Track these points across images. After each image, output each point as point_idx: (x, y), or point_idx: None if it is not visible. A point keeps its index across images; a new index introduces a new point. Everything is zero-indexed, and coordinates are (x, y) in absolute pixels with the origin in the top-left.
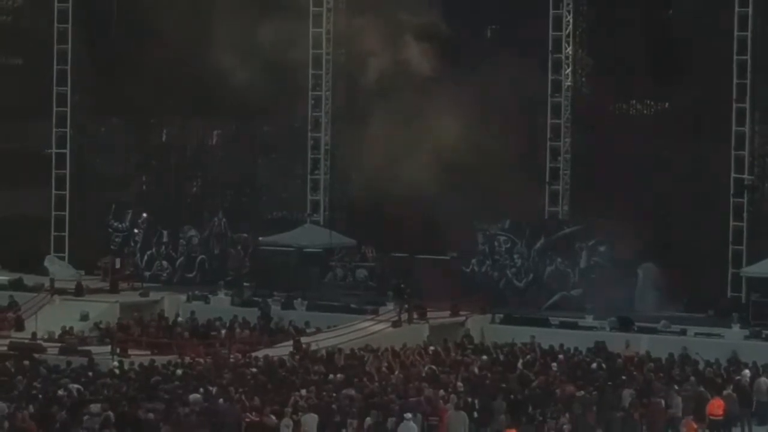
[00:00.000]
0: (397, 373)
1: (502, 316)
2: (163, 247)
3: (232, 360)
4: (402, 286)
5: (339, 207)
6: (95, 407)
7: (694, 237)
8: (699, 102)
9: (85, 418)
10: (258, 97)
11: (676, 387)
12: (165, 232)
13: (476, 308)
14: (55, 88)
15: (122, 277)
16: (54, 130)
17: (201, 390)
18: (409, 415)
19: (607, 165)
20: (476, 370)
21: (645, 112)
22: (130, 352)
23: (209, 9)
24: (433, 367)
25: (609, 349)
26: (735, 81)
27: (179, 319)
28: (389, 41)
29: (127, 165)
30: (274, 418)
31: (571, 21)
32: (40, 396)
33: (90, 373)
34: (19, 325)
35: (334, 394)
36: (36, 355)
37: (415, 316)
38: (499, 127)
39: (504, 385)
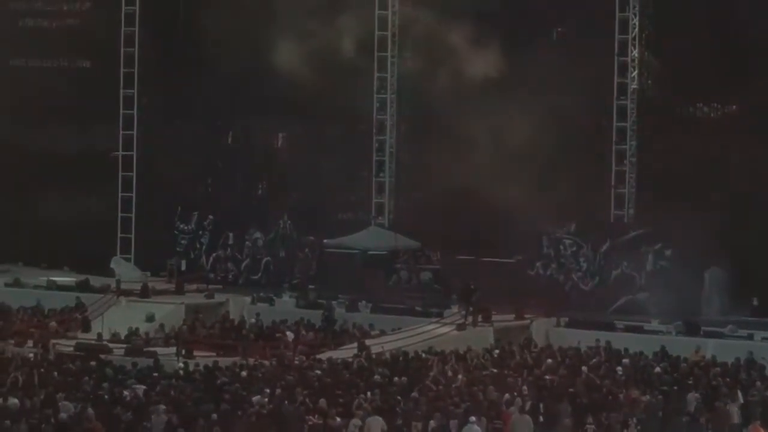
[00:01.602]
0: (461, 376)
1: (567, 319)
2: (229, 249)
3: (296, 362)
4: (472, 287)
5: (404, 210)
6: (159, 408)
7: (761, 241)
8: (766, 104)
9: (153, 416)
10: (323, 100)
11: (739, 392)
12: (231, 234)
13: (541, 311)
14: (122, 90)
15: (192, 279)
16: (121, 132)
17: (265, 392)
18: (473, 419)
19: (673, 168)
20: (541, 373)
21: (712, 114)
22: (195, 353)
23: (274, 11)
24: (497, 370)
25: (675, 354)
26: None
27: (252, 320)
28: (454, 43)
29: (193, 167)
30: (339, 420)
31: (637, 24)
32: (106, 396)
33: (155, 374)
34: (86, 326)
35: (399, 397)
36: (102, 356)
37: (480, 319)
38: (564, 129)
39: (570, 390)
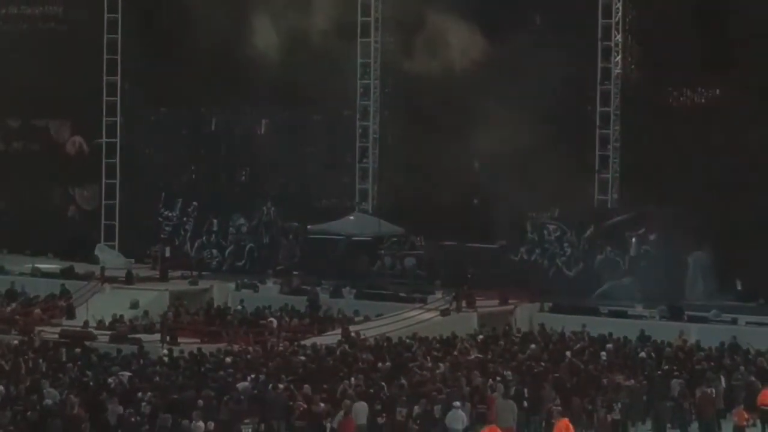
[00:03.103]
0: (445, 362)
1: (551, 304)
2: (213, 235)
3: (280, 348)
4: (469, 276)
5: (387, 195)
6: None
7: (744, 226)
8: (749, 90)
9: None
10: (307, 86)
11: (722, 377)
12: (215, 221)
13: (525, 297)
14: (105, 77)
15: (177, 265)
16: (104, 119)
17: (250, 378)
18: (457, 404)
19: (657, 153)
20: (524, 359)
21: (695, 99)
22: (179, 340)
23: None
24: (482, 355)
25: (659, 339)
26: None
27: (238, 307)
28: (437, 29)
29: (177, 154)
30: (322, 405)
31: (620, 8)
32: (91, 383)
33: (141, 361)
34: (70, 313)
35: (383, 383)
36: (87, 343)
37: (464, 304)
38: (547, 115)
39: (555, 375)
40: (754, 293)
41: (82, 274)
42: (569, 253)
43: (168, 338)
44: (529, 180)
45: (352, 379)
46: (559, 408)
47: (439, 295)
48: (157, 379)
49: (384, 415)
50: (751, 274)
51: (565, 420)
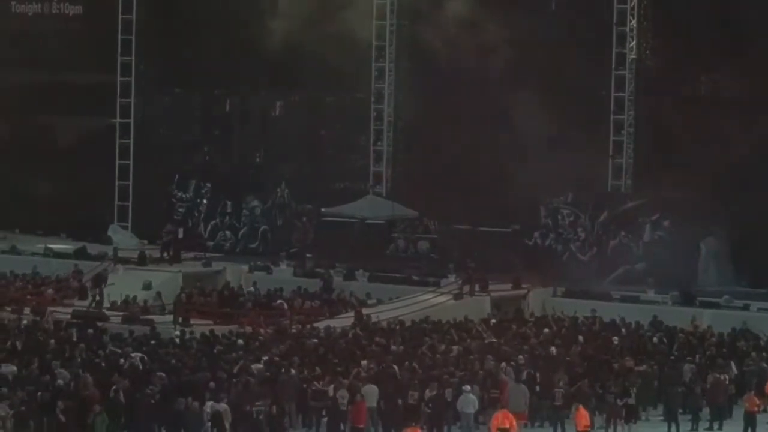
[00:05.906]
0: (457, 345)
1: (563, 289)
2: (227, 217)
3: (293, 330)
4: (472, 266)
5: (401, 178)
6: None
7: (758, 211)
8: (764, 76)
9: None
10: (321, 69)
11: (732, 363)
12: (228, 203)
13: (538, 281)
14: (119, 57)
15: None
16: (118, 99)
17: (263, 360)
18: (468, 388)
19: (671, 138)
20: (537, 343)
21: (709, 85)
22: (191, 321)
23: None
24: (494, 340)
25: (671, 324)
26: None
27: (250, 289)
28: (452, 12)
29: (191, 135)
30: (332, 387)
31: None
32: (103, 364)
33: (152, 342)
34: (83, 294)
35: (395, 366)
36: (99, 324)
37: (477, 288)
38: (562, 99)
39: (568, 359)
40: (766, 279)
41: (95, 254)
42: (583, 238)
43: (180, 319)
44: (543, 164)
45: (364, 362)
46: (563, 390)
47: (452, 278)
48: (172, 360)
49: (395, 398)
50: (764, 261)
51: (582, 408)
